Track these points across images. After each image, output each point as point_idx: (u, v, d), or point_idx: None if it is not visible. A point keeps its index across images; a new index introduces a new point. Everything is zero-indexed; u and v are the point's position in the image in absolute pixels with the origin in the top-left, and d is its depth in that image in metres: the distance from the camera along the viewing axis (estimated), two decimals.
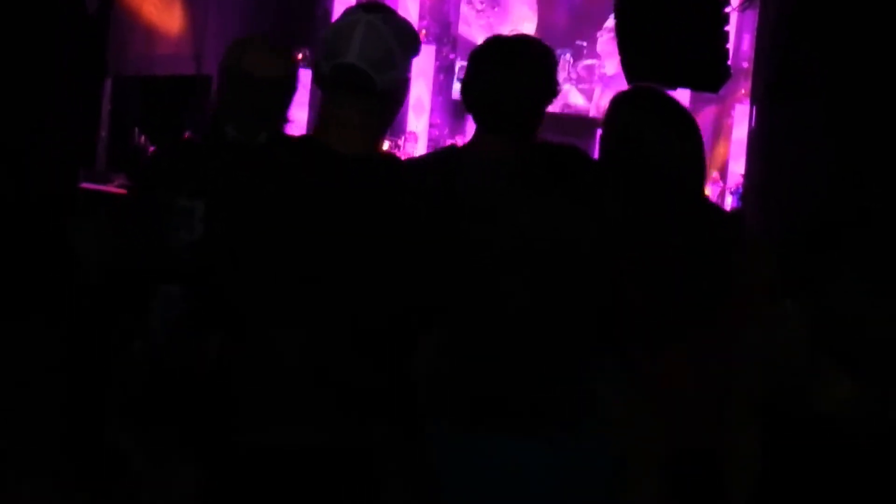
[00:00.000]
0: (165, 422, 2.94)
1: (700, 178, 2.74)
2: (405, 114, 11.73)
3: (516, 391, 2.11)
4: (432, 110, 12.09)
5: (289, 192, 2.46)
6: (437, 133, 12.06)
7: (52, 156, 6.17)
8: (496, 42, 3.22)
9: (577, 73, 12.02)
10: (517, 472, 2.14)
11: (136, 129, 8.10)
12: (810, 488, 2.26)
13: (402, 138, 11.52)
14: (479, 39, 3.66)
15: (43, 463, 3.24)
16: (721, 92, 5.54)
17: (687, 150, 2.70)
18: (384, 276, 2.43)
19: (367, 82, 2.48)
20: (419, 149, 11.42)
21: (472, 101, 3.17)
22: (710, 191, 10.62)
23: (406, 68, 2.58)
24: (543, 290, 2.08)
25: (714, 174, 11.17)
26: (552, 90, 3.17)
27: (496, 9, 12.17)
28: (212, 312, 2.73)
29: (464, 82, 3.20)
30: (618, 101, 2.89)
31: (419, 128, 11.83)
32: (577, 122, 11.18)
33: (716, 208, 2.84)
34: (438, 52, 12.14)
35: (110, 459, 3.10)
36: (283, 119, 3.35)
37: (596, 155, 2.82)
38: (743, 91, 10.76)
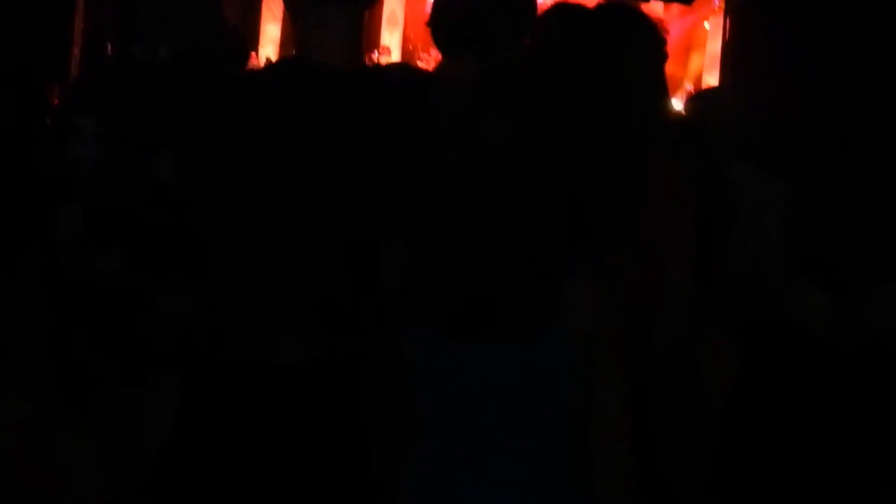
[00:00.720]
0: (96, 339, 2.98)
1: (620, 87, 2.72)
2: (378, 28, 11.64)
3: (486, 302, 2.15)
4: (406, 24, 11.99)
5: (273, 114, 2.47)
6: (410, 47, 11.98)
7: (23, 74, 6.12)
8: None
9: None
10: (488, 381, 2.17)
11: (109, 47, 8.03)
12: (789, 400, 2.30)
13: (376, 53, 11.44)
14: None
15: (25, 386, 3.26)
16: (694, 4, 5.54)
17: (597, 61, 2.69)
18: (364, 191, 2.45)
19: None
20: (390, 63, 11.35)
21: (437, 24, 3.14)
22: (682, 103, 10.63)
23: None
24: (510, 202, 2.11)
25: (688, 87, 11.16)
26: (525, 16, 3.14)
27: None
28: (109, 228, 2.76)
29: (432, 9, 3.18)
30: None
31: (393, 42, 11.74)
32: None
33: (639, 120, 2.82)
34: None
35: (87, 382, 3.11)
36: (196, 36, 3.34)
37: None
38: (717, 3, 10.72)
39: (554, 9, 2.89)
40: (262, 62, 10.31)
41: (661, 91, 2.84)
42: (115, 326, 2.95)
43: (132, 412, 2.95)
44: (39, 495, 2.71)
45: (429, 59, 10.68)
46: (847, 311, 2.24)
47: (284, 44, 11.26)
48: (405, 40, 12.09)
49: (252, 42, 10.73)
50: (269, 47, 11.32)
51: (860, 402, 2.24)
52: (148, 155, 2.82)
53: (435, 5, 3.17)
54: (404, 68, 3.60)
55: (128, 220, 2.84)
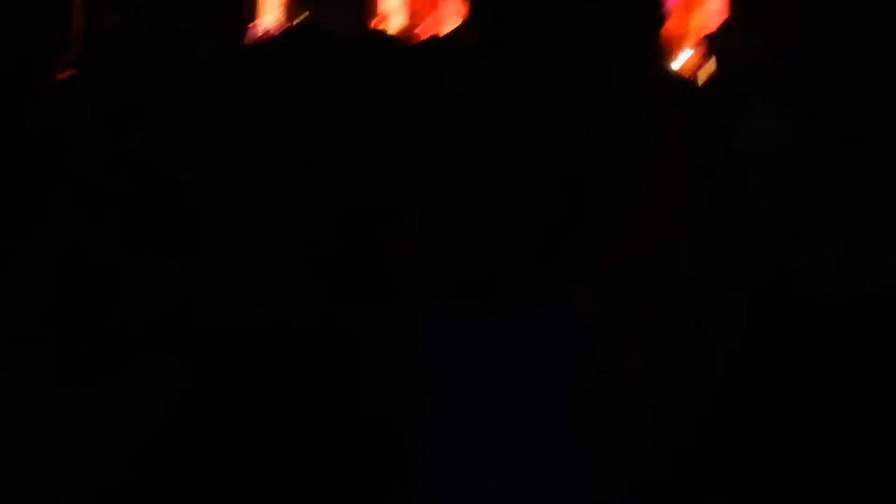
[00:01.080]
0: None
1: (601, 49, 2.72)
2: None
3: (489, 270, 2.16)
4: None
5: (282, 88, 2.49)
6: (410, 14, 11.95)
7: (25, 45, 6.13)
8: None
9: None
10: (491, 349, 2.19)
11: (108, 21, 8.03)
12: (789, 357, 2.32)
13: (375, 20, 11.40)
14: None
15: (26, 361, 3.30)
16: None
17: (576, 22, 2.68)
18: (370, 159, 2.47)
19: None
20: (391, 30, 11.32)
21: None
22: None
23: None
24: (509, 171, 2.12)
25: (689, 47, 11.14)
26: None
27: None
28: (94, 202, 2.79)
29: None
30: None
31: (392, 9, 11.71)
32: None
33: (627, 81, 2.81)
34: None
35: (89, 356, 3.14)
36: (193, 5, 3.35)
37: None
38: None
39: None
40: (260, 31, 10.29)
41: (655, 52, 2.84)
42: (106, 301, 2.98)
43: (129, 386, 2.97)
44: (39, 471, 2.73)
45: (427, 28, 10.66)
46: (850, 269, 2.26)
47: (285, 10, 11.25)
48: (404, 6, 12.06)
49: (251, 10, 10.70)
50: (270, 14, 11.30)
51: (864, 361, 2.25)
52: (120, 126, 2.85)
53: None
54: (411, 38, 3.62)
55: (108, 194, 2.88)
